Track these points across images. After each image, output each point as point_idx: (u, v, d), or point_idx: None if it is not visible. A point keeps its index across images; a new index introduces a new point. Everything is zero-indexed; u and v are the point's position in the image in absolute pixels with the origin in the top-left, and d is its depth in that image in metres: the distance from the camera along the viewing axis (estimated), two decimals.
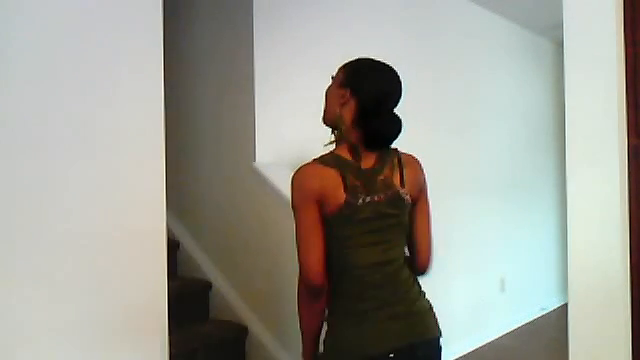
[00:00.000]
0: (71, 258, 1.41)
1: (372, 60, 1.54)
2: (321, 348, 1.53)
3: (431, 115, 3.80)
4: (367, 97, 1.48)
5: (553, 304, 5.05)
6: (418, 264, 1.58)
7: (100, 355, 1.46)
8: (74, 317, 1.41)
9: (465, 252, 4.05)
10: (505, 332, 4.38)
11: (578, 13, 1.55)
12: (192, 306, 2.86)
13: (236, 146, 2.86)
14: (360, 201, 1.42)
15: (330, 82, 1.59)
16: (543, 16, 4.46)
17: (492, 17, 4.46)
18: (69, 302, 1.41)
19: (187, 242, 3.12)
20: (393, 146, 1.55)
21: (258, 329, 2.76)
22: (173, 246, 3.02)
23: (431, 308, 1.54)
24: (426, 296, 1.56)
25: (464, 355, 3.88)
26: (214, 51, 3.00)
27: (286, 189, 2.70)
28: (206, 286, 2.95)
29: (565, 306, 1.88)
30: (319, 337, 1.54)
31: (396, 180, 1.48)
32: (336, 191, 1.40)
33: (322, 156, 1.47)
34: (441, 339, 1.53)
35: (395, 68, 1.55)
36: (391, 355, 1.41)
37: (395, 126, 1.49)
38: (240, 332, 2.78)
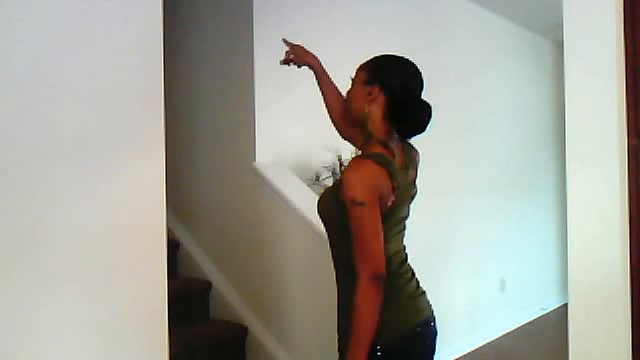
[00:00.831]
0: (71, 258, 1.41)
1: (390, 55, 1.61)
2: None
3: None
4: (398, 88, 1.53)
5: (553, 304, 5.06)
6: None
7: (100, 355, 1.46)
8: (74, 317, 1.41)
9: (465, 252, 4.05)
10: (505, 332, 4.38)
11: (578, 13, 1.55)
12: (192, 306, 2.86)
13: (236, 146, 2.86)
14: (401, 201, 1.49)
15: (349, 84, 1.61)
16: (543, 16, 4.46)
17: (492, 17, 4.46)
18: (69, 302, 1.41)
19: (187, 242, 3.12)
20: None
21: (258, 329, 2.76)
22: (173, 246, 3.02)
23: None
24: None
25: (464, 355, 3.88)
26: (214, 51, 3.00)
27: (286, 189, 2.75)
28: (206, 286, 2.95)
29: (565, 306, 1.88)
30: None
31: (412, 176, 1.61)
32: (388, 190, 1.45)
33: (371, 154, 1.47)
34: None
35: None
36: (418, 329, 1.50)
37: (429, 110, 1.57)
38: (240, 332, 2.78)
